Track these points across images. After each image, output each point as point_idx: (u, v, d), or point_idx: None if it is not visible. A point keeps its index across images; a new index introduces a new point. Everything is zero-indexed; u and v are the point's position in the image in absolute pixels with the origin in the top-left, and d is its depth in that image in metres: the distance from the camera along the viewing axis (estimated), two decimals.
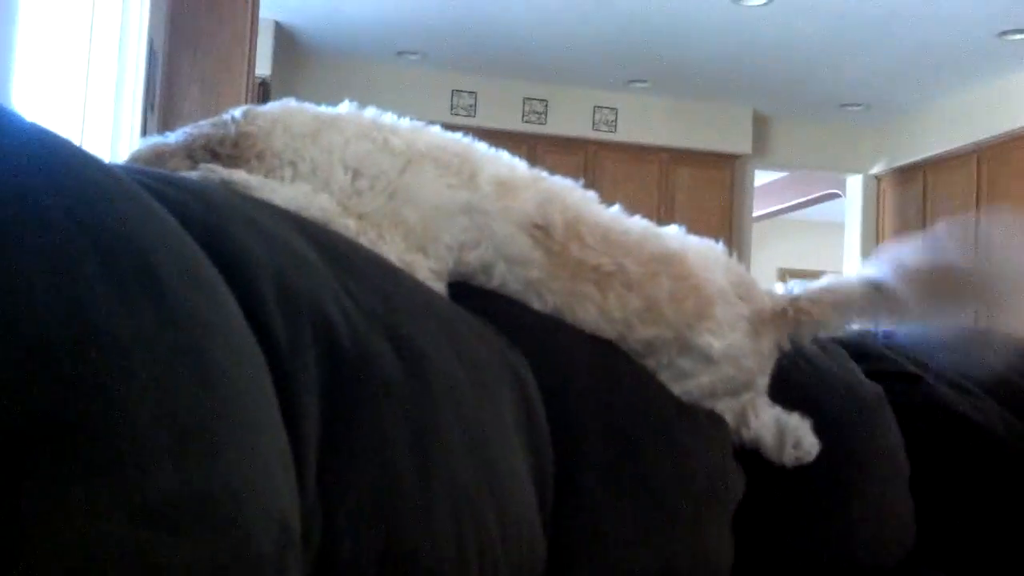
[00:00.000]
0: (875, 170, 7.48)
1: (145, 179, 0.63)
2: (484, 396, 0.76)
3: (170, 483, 0.45)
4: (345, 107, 0.98)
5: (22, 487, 0.40)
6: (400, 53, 6.26)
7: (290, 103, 0.98)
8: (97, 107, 3.11)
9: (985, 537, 1.11)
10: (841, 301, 1.02)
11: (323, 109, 0.97)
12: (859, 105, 6.97)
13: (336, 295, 0.67)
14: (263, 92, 6.04)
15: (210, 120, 0.95)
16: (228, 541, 0.46)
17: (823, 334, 1.13)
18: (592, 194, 1.07)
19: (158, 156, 0.91)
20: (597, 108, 6.91)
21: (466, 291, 0.92)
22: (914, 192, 7.04)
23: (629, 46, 5.98)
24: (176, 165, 0.91)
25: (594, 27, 5.70)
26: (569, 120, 6.85)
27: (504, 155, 1.04)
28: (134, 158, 0.92)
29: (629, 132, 6.93)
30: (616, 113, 6.94)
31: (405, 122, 0.98)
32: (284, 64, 6.13)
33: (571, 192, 1.03)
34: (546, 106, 6.82)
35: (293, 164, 0.90)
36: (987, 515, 1.12)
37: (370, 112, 0.98)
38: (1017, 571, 1.14)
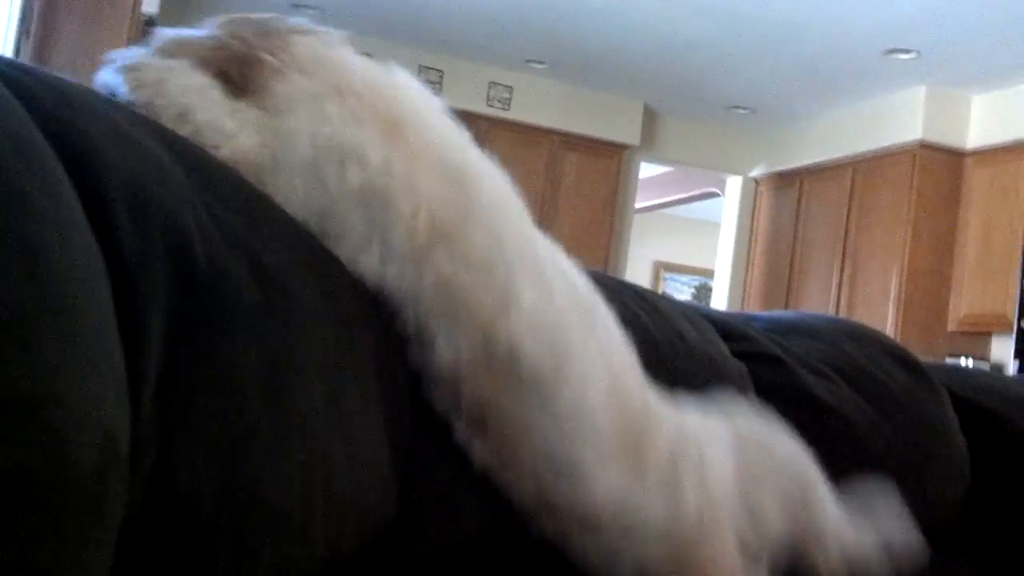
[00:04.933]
0: (755, 173, 7.68)
1: None
2: (345, 336, 0.72)
3: None
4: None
5: None
6: (296, 6, 6.10)
7: (328, 46, 0.89)
8: None
9: None
10: None
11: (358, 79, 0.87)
12: (746, 108, 7.13)
13: (195, 211, 0.62)
14: (148, 31, 5.80)
15: (253, 24, 0.87)
16: (41, 448, 0.42)
17: (694, 316, 1.14)
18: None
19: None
20: (492, 84, 6.88)
21: None
22: (790, 197, 7.26)
23: (529, 25, 5.97)
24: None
25: (495, 1, 5.66)
26: (464, 94, 6.80)
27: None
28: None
29: (522, 112, 6.93)
30: (511, 91, 6.93)
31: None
32: (174, 3, 5.90)
33: None
34: (442, 76, 6.76)
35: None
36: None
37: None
38: None
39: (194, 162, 0.66)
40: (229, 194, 0.68)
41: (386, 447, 0.74)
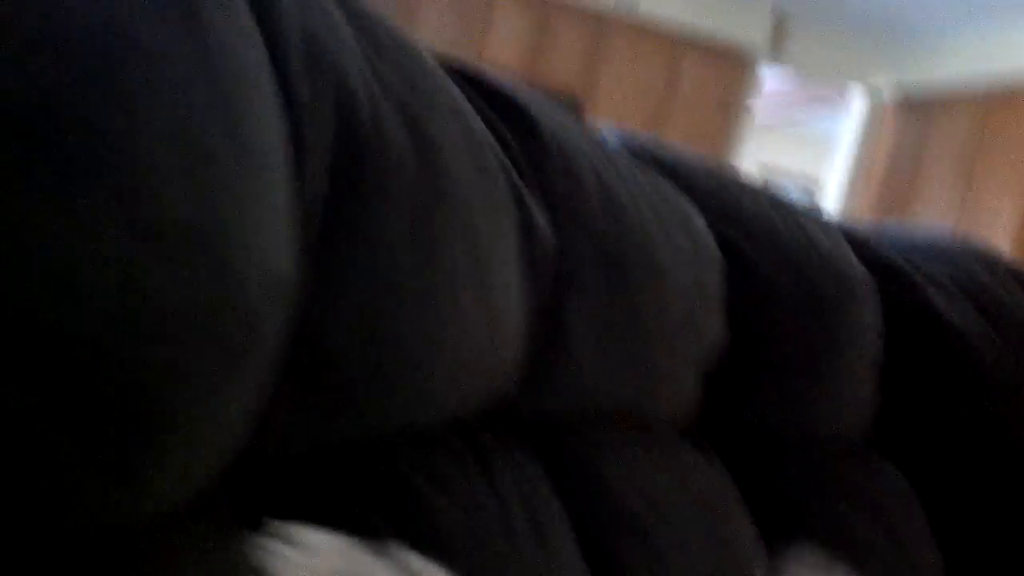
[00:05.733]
0: (881, 93, 7.39)
1: None
2: (491, 207, 0.74)
3: (175, 210, 0.43)
4: None
5: (22, 184, 0.38)
6: None
7: None
8: None
9: (942, 436, 1.14)
10: None
11: None
12: (881, 23, 6.83)
13: (362, 70, 0.64)
14: None
15: None
16: (222, 281, 0.44)
17: (822, 221, 1.11)
18: None
19: None
20: None
21: None
22: (916, 125, 6.98)
23: None
24: None
25: None
26: None
27: None
28: None
29: (647, 5, 6.76)
30: None
31: None
32: None
33: None
34: None
35: None
36: (948, 416, 1.13)
37: None
38: (964, 469, 1.17)
39: (363, 21, 0.67)
40: (396, 59, 0.69)
41: (523, 318, 0.76)
